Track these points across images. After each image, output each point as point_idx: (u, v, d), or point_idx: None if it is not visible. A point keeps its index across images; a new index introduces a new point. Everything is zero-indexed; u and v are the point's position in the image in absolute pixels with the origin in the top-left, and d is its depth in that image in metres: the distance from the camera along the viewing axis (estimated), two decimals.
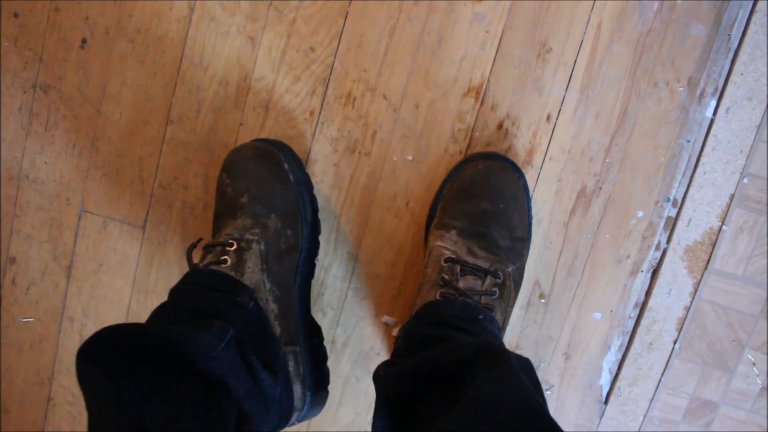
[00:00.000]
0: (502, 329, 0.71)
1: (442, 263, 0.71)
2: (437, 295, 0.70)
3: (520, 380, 0.55)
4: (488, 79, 0.79)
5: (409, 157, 0.81)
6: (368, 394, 0.87)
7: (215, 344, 0.58)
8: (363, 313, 0.85)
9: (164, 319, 0.61)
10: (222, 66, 0.80)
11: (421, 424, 0.59)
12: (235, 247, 0.69)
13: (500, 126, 0.80)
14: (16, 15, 0.81)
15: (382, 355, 0.86)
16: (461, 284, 0.70)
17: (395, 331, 0.85)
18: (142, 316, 0.87)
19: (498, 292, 0.71)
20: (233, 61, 0.80)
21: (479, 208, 0.73)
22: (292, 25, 0.79)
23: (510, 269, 0.73)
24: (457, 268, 0.70)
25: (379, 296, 0.84)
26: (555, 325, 0.84)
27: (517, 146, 0.80)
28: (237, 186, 0.73)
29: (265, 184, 0.73)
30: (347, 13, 0.78)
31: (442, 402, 0.57)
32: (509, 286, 0.73)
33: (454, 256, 0.71)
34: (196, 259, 0.80)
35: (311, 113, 0.80)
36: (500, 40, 0.78)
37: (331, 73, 0.80)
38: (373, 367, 0.86)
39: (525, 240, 0.76)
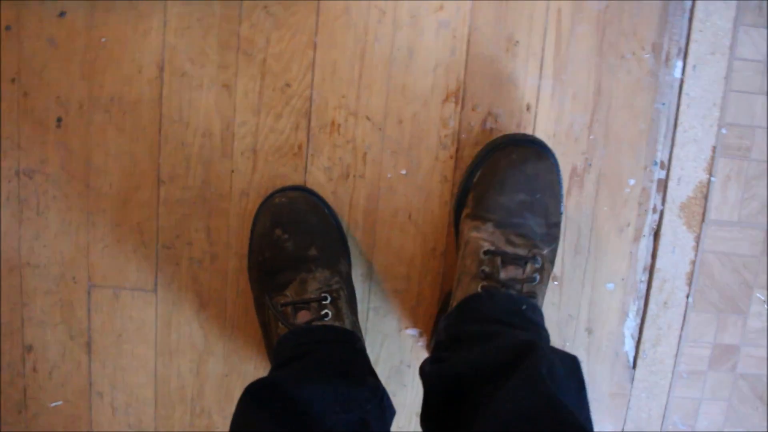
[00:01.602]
0: (542, 306, 0.74)
1: (482, 256, 0.72)
2: (479, 288, 0.71)
3: (546, 387, 0.57)
4: (464, 82, 0.81)
5: (403, 172, 0.82)
6: (405, 407, 0.89)
7: (370, 398, 0.69)
8: (387, 329, 0.86)
9: (312, 375, 0.68)
10: (202, 118, 0.81)
11: (463, 425, 0.61)
12: (329, 299, 0.73)
13: (484, 124, 0.81)
14: None
15: (412, 367, 0.87)
16: (502, 275, 0.71)
17: (421, 341, 0.86)
18: (170, 377, 0.87)
19: (539, 278, 0.72)
20: (212, 112, 0.81)
21: (516, 200, 0.73)
22: (263, 66, 0.80)
23: (546, 252, 0.73)
24: (498, 260, 0.71)
25: (399, 310, 0.85)
26: (572, 304, 0.86)
27: None
28: (299, 240, 0.76)
29: (326, 234, 0.78)
30: (315, 44, 0.79)
31: (478, 405, 0.60)
32: (547, 268, 0.74)
33: (493, 248, 0.71)
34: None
35: (299, 147, 0.81)
36: (468, 42, 0.80)
37: (311, 104, 0.81)
38: (406, 380, 0.88)
39: (558, 224, 0.76)
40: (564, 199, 0.79)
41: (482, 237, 0.73)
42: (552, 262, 0.76)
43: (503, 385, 0.58)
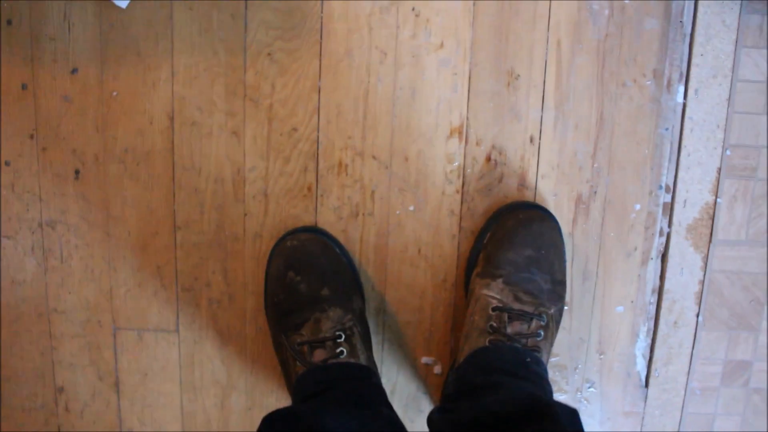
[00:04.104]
0: (546, 363, 0.77)
1: (490, 312, 0.76)
2: (486, 342, 0.75)
3: None
4: (467, 118, 0.82)
5: (411, 208, 0.84)
6: None
7: (385, 429, 0.70)
8: (402, 359, 0.88)
9: (329, 408, 0.70)
10: (213, 165, 0.83)
11: None
12: (343, 337, 0.76)
13: (488, 158, 0.83)
14: (7, 163, 0.84)
15: (429, 395, 0.90)
16: (509, 330, 0.75)
17: (436, 369, 0.88)
18: (195, 413, 0.90)
19: (543, 334, 0.75)
20: (223, 158, 0.83)
21: (523, 255, 0.78)
22: (270, 111, 0.82)
23: (552, 311, 0.78)
24: (505, 315, 0.75)
25: (413, 341, 0.88)
26: (583, 328, 0.87)
27: (509, 173, 0.83)
28: (311, 281, 0.78)
29: (337, 274, 0.80)
30: (319, 87, 0.81)
31: None
32: (552, 327, 0.78)
33: (501, 305, 0.76)
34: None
35: (309, 189, 0.84)
36: (469, 78, 0.81)
37: (318, 147, 0.83)
38: (423, 407, 0.90)
39: (564, 283, 0.81)
40: (568, 260, 0.84)
41: (492, 294, 0.77)
42: (558, 323, 0.79)
43: None
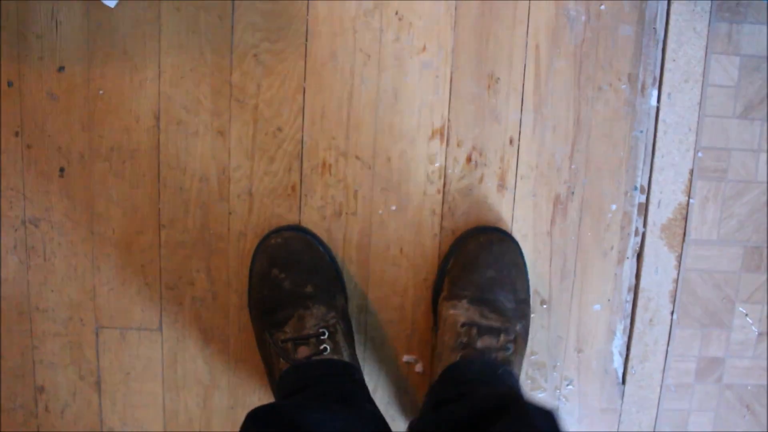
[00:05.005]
0: (518, 379, 0.79)
1: (459, 328, 0.78)
2: (458, 357, 0.77)
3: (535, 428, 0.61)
4: (448, 119, 0.84)
5: (393, 208, 0.86)
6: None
7: (369, 424, 0.71)
8: (385, 358, 0.89)
9: (313, 404, 0.71)
10: (199, 163, 0.84)
11: None
12: (327, 334, 0.76)
13: (469, 159, 0.85)
14: None
15: (410, 393, 0.91)
16: (479, 344, 0.77)
17: (418, 367, 0.90)
18: (178, 412, 0.90)
19: (512, 348, 0.78)
20: (208, 157, 0.84)
21: (486, 276, 0.80)
22: (255, 112, 0.83)
23: (518, 327, 0.80)
24: (474, 330, 0.77)
25: (395, 339, 0.89)
26: (561, 326, 0.89)
27: (489, 174, 0.85)
28: (296, 278, 0.79)
29: (321, 272, 0.81)
30: (304, 89, 0.83)
31: None
32: (520, 343, 0.80)
33: (469, 321, 0.78)
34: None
35: (293, 188, 0.85)
36: (450, 81, 0.83)
37: (302, 147, 0.84)
38: (405, 404, 0.91)
39: (527, 301, 0.83)
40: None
41: (459, 313, 0.79)
42: (525, 340, 0.82)
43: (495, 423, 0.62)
